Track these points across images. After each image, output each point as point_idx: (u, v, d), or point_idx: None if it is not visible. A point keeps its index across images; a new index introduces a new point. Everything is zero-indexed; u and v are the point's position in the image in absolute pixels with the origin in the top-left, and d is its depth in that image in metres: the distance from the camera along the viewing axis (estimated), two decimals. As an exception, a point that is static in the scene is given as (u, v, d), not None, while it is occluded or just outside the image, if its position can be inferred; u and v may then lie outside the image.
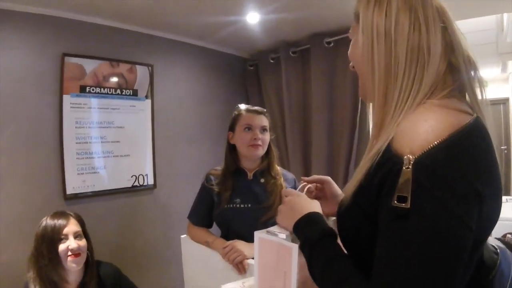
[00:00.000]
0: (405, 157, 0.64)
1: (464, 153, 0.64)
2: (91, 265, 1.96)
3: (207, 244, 2.02)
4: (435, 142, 0.64)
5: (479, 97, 0.78)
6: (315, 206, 0.98)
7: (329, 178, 1.18)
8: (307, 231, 0.90)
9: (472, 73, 0.78)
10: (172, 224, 3.20)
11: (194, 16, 2.94)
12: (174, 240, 2.70)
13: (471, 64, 0.78)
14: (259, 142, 1.98)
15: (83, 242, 1.93)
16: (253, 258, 1.39)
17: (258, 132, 1.98)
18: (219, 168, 2.12)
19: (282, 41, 3.51)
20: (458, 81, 0.77)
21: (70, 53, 2.78)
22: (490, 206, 0.67)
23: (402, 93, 0.74)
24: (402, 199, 0.63)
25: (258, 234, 1.07)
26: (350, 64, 0.93)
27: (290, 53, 3.48)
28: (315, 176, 1.17)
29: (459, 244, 0.62)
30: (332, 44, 3.25)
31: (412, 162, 0.63)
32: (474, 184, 0.63)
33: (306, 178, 1.16)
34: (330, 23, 3.14)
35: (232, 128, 2.07)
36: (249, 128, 1.99)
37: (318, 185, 1.17)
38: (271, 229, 1.04)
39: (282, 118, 3.60)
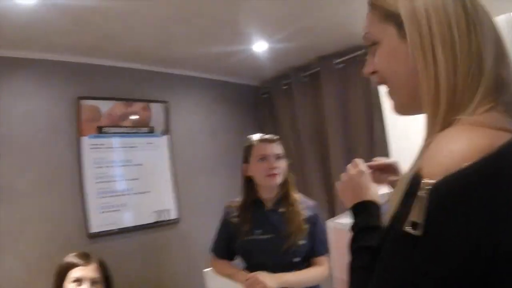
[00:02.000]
0: (423, 181, 0.56)
1: (488, 183, 0.53)
2: None
3: (229, 276, 2.00)
4: (458, 168, 0.53)
5: None
6: (374, 193, 0.95)
7: (395, 164, 1.09)
8: (358, 219, 0.90)
9: None
10: (196, 257, 3.17)
11: (203, 49, 3.01)
12: (199, 273, 2.68)
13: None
14: (276, 171, 1.94)
15: None
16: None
17: (273, 161, 1.95)
18: (238, 199, 2.10)
19: (292, 67, 3.55)
20: (506, 95, 0.64)
21: (84, 96, 2.87)
22: None
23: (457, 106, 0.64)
24: (415, 225, 0.55)
25: (330, 224, 1.05)
26: (368, 71, 0.80)
27: (301, 77, 3.51)
28: (382, 161, 1.10)
29: None
30: (341, 65, 3.26)
31: (428, 188, 0.55)
32: (488, 234, 0.52)
33: (374, 164, 1.08)
34: (338, 45, 3.18)
35: (246, 160, 2.04)
36: (263, 158, 1.96)
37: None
38: (341, 216, 1.00)
39: (298, 144, 3.59)
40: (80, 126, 2.84)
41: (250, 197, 2.04)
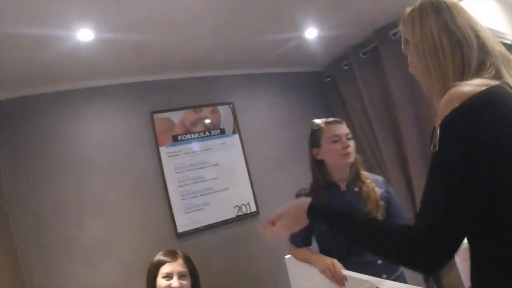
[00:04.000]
0: (438, 122, 0.91)
1: (472, 114, 0.87)
2: None
3: (306, 261, 2.02)
4: (453, 107, 0.88)
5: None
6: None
7: None
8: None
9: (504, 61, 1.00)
10: (277, 245, 3.26)
11: (257, 45, 3.12)
12: (281, 260, 2.79)
13: (503, 56, 1.00)
14: (349, 150, 1.97)
15: (186, 281, 2.09)
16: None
17: (346, 141, 1.98)
18: (307, 187, 2.12)
19: (350, 45, 3.50)
20: (492, 69, 0.96)
21: (157, 110, 3.17)
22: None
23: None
24: (435, 147, 0.91)
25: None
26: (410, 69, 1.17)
27: (360, 55, 3.46)
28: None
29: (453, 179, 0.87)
30: (398, 34, 3.16)
31: (439, 123, 0.90)
32: (476, 142, 0.86)
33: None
34: (390, 15, 3.08)
35: (316, 144, 2.06)
36: (336, 139, 1.98)
37: None
38: None
39: (369, 122, 3.53)
40: (156, 137, 3.14)
41: (323, 181, 2.05)
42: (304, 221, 1.26)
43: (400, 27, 1.19)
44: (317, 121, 2.12)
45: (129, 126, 3.09)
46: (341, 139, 1.97)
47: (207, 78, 3.44)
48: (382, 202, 1.94)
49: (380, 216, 1.90)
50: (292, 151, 3.66)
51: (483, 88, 0.89)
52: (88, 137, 2.94)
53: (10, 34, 2.07)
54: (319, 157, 2.05)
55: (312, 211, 1.23)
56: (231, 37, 2.88)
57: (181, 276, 2.08)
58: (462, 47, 0.99)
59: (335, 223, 1.18)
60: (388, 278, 1.85)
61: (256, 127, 3.57)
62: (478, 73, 0.96)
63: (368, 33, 3.34)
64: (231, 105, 3.47)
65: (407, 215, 2.03)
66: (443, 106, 0.91)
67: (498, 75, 0.95)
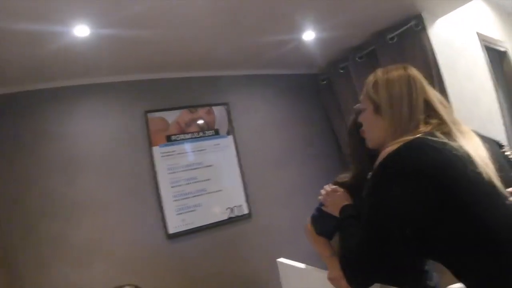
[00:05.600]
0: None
1: (398, 159, 1.03)
2: None
3: (320, 255, 1.88)
4: (388, 153, 1.04)
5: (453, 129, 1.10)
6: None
7: None
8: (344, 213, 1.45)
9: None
10: (269, 247, 3.29)
11: (254, 46, 3.11)
12: (272, 263, 2.77)
13: (442, 116, 1.14)
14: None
15: None
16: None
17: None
18: (346, 175, 1.87)
19: (347, 48, 3.50)
20: (433, 124, 1.12)
21: (151, 109, 3.13)
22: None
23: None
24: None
25: None
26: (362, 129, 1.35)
27: (357, 58, 3.45)
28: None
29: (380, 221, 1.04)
30: (395, 39, 3.16)
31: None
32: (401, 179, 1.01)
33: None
34: (388, 19, 3.09)
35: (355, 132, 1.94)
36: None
37: None
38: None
39: (363, 125, 3.52)
40: (150, 137, 3.10)
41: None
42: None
43: (370, 89, 1.28)
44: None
45: (123, 125, 3.05)
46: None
47: (203, 78, 3.41)
48: None
49: None
50: (287, 154, 3.65)
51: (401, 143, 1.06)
52: (81, 135, 2.90)
53: (4, 29, 2.02)
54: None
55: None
56: (229, 37, 2.86)
57: None
58: (412, 115, 1.16)
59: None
60: None
61: (250, 128, 3.55)
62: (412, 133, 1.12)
63: (365, 37, 3.34)
64: (226, 106, 3.44)
65: None
66: (384, 152, 1.09)
67: (441, 129, 1.12)
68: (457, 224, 0.94)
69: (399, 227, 0.99)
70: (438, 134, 1.05)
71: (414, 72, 1.23)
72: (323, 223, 1.92)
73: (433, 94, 1.20)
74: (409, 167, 1.00)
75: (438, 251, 1.02)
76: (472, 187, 0.96)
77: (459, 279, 1.01)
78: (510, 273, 0.90)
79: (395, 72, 1.25)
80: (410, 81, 1.20)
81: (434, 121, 1.13)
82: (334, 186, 1.61)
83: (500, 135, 3.36)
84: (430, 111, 1.15)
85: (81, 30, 2.26)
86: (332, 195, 1.59)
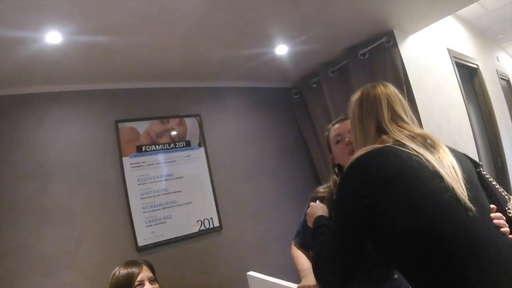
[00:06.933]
0: None
1: (359, 166, 1.14)
2: None
3: (300, 271, 1.93)
4: (352, 161, 1.16)
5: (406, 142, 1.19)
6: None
7: None
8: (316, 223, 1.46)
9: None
10: (240, 261, 3.27)
11: (228, 58, 3.11)
12: (243, 276, 2.75)
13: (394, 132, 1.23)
14: (351, 147, 1.78)
15: (156, 285, 2.07)
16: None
17: (347, 137, 1.84)
18: (322, 188, 1.98)
19: (320, 63, 3.53)
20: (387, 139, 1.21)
21: (122, 119, 3.10)
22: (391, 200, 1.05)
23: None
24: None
25: None
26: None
27: (329, 73, 3.48)
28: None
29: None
30: (367, 55, 3.20)
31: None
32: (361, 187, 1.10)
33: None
34: (360, 35, 3.13)
35: (329, 149, 1.97)
36: (339, 139, 1.87)
37: None
38: None
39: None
40: (120, 147, 3.06)
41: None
42: None
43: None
44: (328, 125, 2.03)
45: (93, 134, 3.01)
46: (343, 137, 1.84)
47: (175, 89, 3.39)
48: None
49: None
50: (259, 167, 3.64)
51: (376, 147, 1.17)
52: (51, 143, 2.85)
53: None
54: (336, 162, 1.92)
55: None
56: (202, 49, 2.87)
57: (151, 280, 2.06)
58: (372, 128, 1.28)
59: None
60: None
61: (222, 140, 3.53)
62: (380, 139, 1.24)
63: (337, 52, 3.38)
64: (198, 118, 3.43)
65: None
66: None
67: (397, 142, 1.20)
68: (408, 230, 1.00)
69: (359, 230, 1.09)
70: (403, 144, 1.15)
71: (374, 91, 1.34)
72: (304, 236, 2.01)
73: (386, 113, 1.28)
74: (373, 170, 1.09)
75: (392, 257, 1.09)
76: (430, 197, 1.01)
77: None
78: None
79: (357, 93, 1.39)
80: (362, 102, 1.33)
81: (386, 137, 1.22)
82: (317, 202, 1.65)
83: (469, 149, 3.42)
84: (382, 129, 1.25)
85: (53, 37, 2.23)
86: (311, 208, 1.59)
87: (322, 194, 1.93)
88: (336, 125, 1.92)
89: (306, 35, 2.91)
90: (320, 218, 1.46)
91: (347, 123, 1.86)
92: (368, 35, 3.13)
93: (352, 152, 1.84)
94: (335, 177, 1.93)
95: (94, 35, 2.31)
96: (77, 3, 1.96)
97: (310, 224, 1.52)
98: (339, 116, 3.26)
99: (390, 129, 1.22)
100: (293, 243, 2.09)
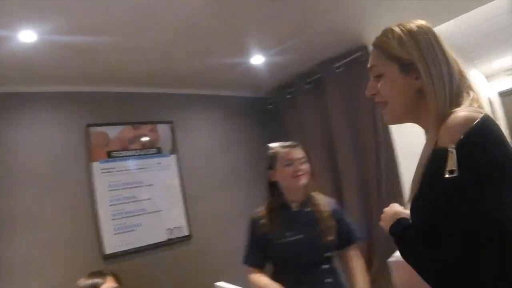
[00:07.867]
0: (449, 144, 0.88)
1: (483, 135, 0.89)
2: None
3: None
4: (466, 131, 0.88)
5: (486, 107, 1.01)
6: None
7: None
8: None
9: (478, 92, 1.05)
10: (208, 271, 3.23)
11: (203, 66, 3.10)
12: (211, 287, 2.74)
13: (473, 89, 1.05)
14: (301, 172, 2.03)
15: None
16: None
17: (298, 164, 2.04)
18: (260, 209, 2.17)
19: (295, 74, 3.56)
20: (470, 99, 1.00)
21: (93, 123, 3.03)
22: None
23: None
24: (452, 172, 0.86)
25: (391, 260, 1.29)
26: (368, 93, 1.15)
27: (304, 85, 3.50)
28: None
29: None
30: (342, 68, 3.23)
31: (454, 146, 0.87)
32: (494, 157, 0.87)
33: None
34: (335, 48, 3.17)
35: (271, 166, 2.12)
36: (290, 163, 2.04)
37: None
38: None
39: (307, 151, 3.57)
40: (90, 152, 2.99)
41: (276, 201, 2.11)
42: None
43: (396, 46, 1.06)
44: (273, 145, 2.18)
45: (63, 137, 2.92)
46: (293, 163, 2.03)
47: (148, 94, 3.34)
48: (333, 222, 2.02)
49: (332, 235, 1.98)
50: (231, 176, 3.63)
51: (480, 113, 0.92)
52: (19, 146, 2.74)
53: None
54: (273, 179, 2.11)
55: None
56: (178, 55, 2.84)
57: None
58: (453, 75, 1.02)
59: None
60: None
61: (195, 148, 3.50)
62: (459, 102, 1.00)
63: (313, 64, 3.41)
64: (170, 125, 3.39)
65: (357, 237, 2.12)
66: (453, 130, 0.91)
67: (479, 104, 1.02)
68: None
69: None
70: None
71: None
72: (256, 255, 2.14)
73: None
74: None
75: None
76: None
77: None
78: None
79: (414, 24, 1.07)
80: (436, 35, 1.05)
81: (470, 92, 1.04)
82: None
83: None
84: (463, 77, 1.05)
85: (27, 36, 2.16)
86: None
87: (260, 214, 2.13)
88: (287, 150, 2.10)
89: (283, 46, 2.93)
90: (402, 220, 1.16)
91: (298, 151, 2.10)
92: (343, 49, 3.17)
93: (299, 178, 2.04)
94: (268, 194, 2.14)
95: (71, 35, 2.25)
96: (49, 3, 1.90)
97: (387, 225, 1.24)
98: (312, 129, 3.35)
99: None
100: (249, 269, 2.15)
